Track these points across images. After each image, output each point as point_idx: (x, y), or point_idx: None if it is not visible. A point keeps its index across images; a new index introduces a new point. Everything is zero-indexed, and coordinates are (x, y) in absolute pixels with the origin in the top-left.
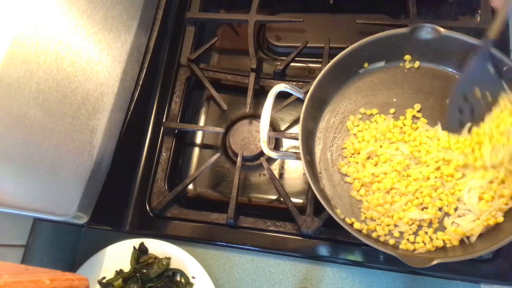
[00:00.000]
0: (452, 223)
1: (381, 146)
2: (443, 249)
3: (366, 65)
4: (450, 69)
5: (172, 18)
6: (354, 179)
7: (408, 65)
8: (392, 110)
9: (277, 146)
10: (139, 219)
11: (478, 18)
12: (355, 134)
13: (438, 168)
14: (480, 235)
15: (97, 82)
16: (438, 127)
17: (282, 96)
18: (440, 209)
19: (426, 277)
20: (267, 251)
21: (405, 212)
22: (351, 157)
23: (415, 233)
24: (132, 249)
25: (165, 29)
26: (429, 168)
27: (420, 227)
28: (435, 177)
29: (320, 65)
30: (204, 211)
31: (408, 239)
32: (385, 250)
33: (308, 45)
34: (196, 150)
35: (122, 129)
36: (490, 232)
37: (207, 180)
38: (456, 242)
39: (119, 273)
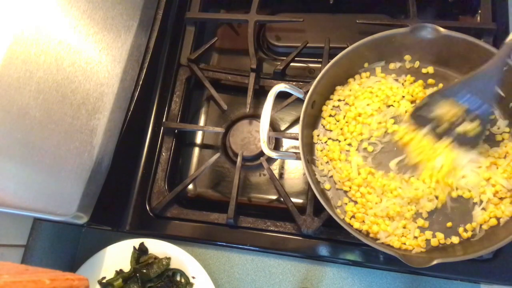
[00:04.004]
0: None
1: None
2: (443, 249)
3: (366, 65)
4: (449, 69)
5: (172, 18)
6: (343, 182)
7: (408, 65)
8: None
9: (277, 146)
10: (139, 219)
11: (478, 18)
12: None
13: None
14: (480, 235)
15: (97, 82)
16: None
17: (282, 96)
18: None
19: (426, 277)
20: (267, 251)
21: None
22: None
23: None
24: (132, 249)
25: (165, 29)
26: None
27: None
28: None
29: (320, 65)
30: (204, 211)
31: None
32: (385, 250)
33: (308, 45)
34: (196, 150)
35: (122, 129)
36: (490, 232)
37: (207, 180)
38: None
39: (119, 273)
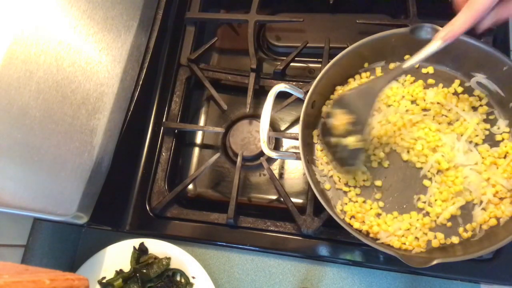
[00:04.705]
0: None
1: None
2: (443, 249)
3: (366, 65)
4: (449, 69)
5: (172, 18)
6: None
7: None
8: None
9: (277, 146)
10: (139, 219)
11: None
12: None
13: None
14: (480, 235)
15: (97, 82)
16: None
17: (282, 96)
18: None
19: (426, 277)
20: (267, 251)
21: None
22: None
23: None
24: (132, 249)
25: (165, 29)
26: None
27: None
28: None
29: (320, 65)
30: (204, 211)
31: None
32: (385, 250)
33: (308, 45)
34: (196, 150)
35: (122, 129)
36: (490, 232)
37: (207, 180)
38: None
39: (119, 273)
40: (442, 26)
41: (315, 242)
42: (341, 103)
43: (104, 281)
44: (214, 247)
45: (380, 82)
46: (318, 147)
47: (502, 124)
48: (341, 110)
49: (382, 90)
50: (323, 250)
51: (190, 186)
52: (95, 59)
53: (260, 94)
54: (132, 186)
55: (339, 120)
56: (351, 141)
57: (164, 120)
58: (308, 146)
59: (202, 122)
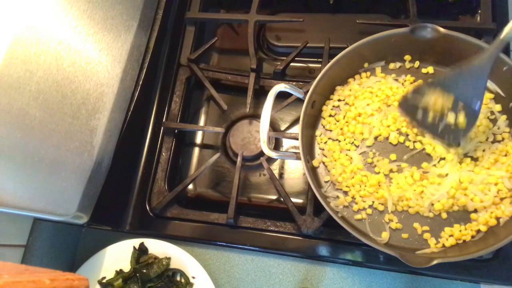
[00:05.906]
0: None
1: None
2: (443, 249)
3: (366, 65)
4: (449, 69)
5: (172, 18)
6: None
7: (408, 65)
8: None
9: (277, 146)
10: (139, 219)
11: (478, 18)
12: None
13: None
14: (480, 235)
15: (97, 82)
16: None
17: (282, 96)
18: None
19: (426, 277)
20: (267, 251)
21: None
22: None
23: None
24: (132, 249)
25: (165, 29)
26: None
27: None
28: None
29: (320, 65)
30: (204, 211)
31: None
32: (385, 250)
33: (308, 45)
34: (196, 150)
35: (122, 129)
36: (489, 232)
37: (207, 180)
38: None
39: (119, 273)
40: (442, 26)
41: (315, 242)
42: (441, 84)
43: (104, 281)
44: (214, 247)
45: (484, 61)
46: (318, 147)
47: (502, 124)
48: (439, 91)
49: (489, 71)
50: (323, 250)
51: (190, 186)
52: (95, 59)
53: (260, 94)
54: (132, 186)
55: (436, 99)
56: (461, 121)
57: (164, 120)
58: (308, 146)
59: (202, 122)
